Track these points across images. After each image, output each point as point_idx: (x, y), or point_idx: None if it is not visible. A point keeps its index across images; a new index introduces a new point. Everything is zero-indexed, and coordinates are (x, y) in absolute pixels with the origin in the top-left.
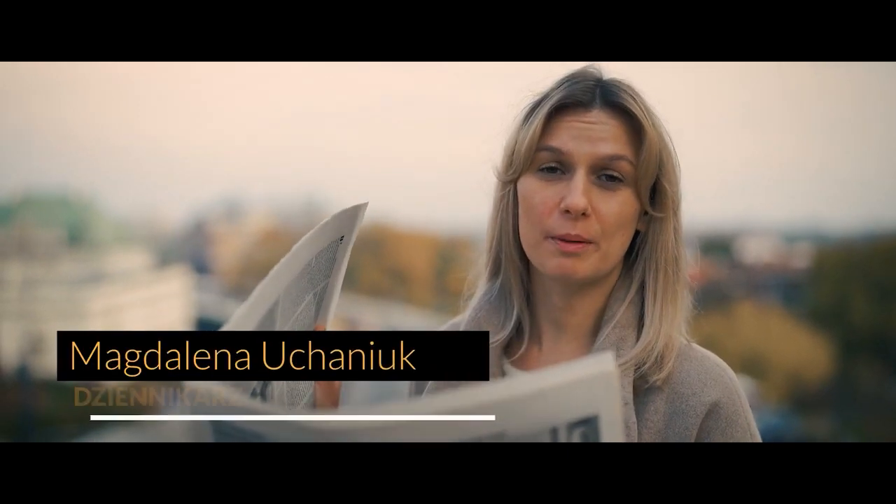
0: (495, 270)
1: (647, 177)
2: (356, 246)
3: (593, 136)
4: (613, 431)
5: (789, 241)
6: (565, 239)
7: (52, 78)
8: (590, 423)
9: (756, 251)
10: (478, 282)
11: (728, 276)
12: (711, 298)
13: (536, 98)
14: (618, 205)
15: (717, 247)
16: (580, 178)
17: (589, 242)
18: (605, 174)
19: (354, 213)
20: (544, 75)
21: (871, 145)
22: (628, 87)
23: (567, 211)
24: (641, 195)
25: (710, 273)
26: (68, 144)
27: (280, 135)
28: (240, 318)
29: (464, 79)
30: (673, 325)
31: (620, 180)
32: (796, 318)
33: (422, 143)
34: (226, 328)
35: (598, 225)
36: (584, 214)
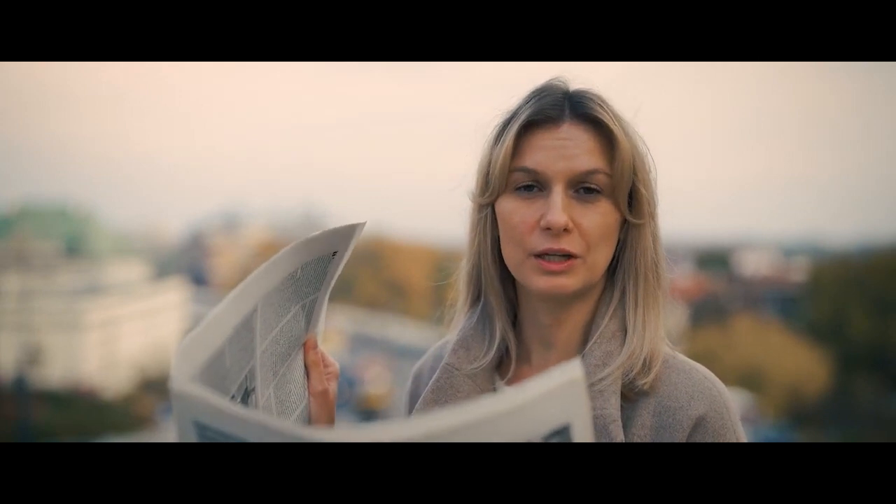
0: (477, 294)
1: (623, 184)
2: (353, 258)
3: (567, 153)
4: (584, 438)
5: (787, 255)
6: (548, 253)
7: (51, 89)
8: (563, 432)
9: (754, 264)
10: (458, 303)
11: (726, 290)
12: (709, 312)
13: (506, 116)
14: (599, 216)
15: (715, 260)
16: (558, 194)
17: (575, 257)
18: (582, 187)
19: (350, 231)
20: (531, 88)
21: (870, 160)
22: (596, 96)
23: (548, 228)
24: (620, 203)
25: (708, 286)
26: (67, 156)
27: (279, 148)
28: (214, 321)
29: (462, 93)
30: (657, 330)
31: (599, 191)
32: (794, 331)
33: (419, 156)
34: (199, 330)
35: (582, 239)
36: (565, 230)
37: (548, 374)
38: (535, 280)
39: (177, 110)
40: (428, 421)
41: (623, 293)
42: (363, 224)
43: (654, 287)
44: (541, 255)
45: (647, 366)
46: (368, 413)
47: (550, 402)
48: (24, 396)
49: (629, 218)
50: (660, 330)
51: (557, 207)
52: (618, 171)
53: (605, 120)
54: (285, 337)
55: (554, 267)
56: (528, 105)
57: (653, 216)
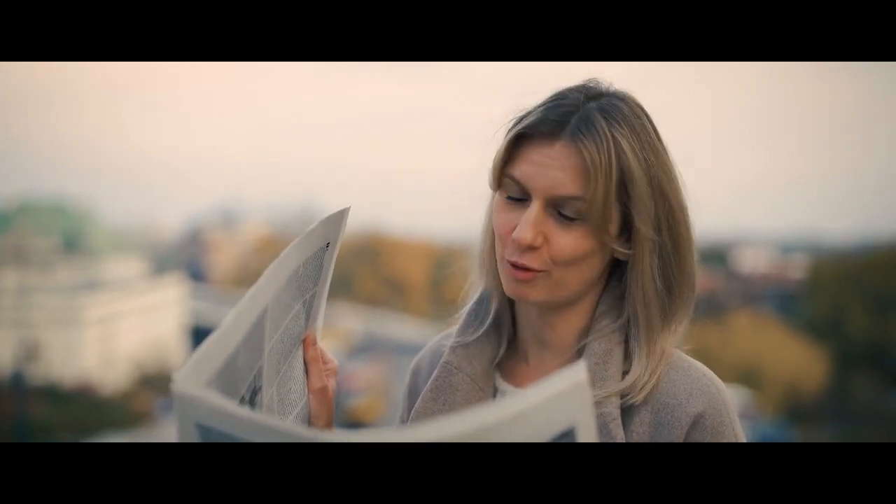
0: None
1: (600, 215)
2: (352, 255)
3: (550, 173)
4: (588, 440)
5: (786, 252)
6: (515, 266)
7: (49, 86)
8: (568, 435)
9: (752, 261)
10: (470, 292)
11: (724, 286)
12: (707, 308)
13: (519, 114)
14: (573, 240)
15: (714, 257)
16: (533, 211)
17: (538, 271)
18: (560, 210)
19: (339, 218)
20: (537, 86)
21: (869, 157)
22: (613, 112)
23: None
24: (600, 232)
25: (707, 283)
26: (65, 152)
27: (276, 144)
28: (229, 326)
29: (460, 91)
30: (663, 355)
31: (575, 218)
32: (792, 328)
33: (418, 152)
34: (215, 336)
35: (549, 255)
36: (531, 248)
37: (553, 378)
38: (506, 282)
39: (175, 107)
40: (435, 427)
41: (629, 319)
42: (348, 209)
43: (659, 318)
44: (510, 263)
45: (643, 388)
46: (353, 426)
47: (556, 405)
48: (23, 392)
49: (615, 247)
50: (667, 357)
51: (528, 224)
52: (592, 203)
53: (595, 158)
54: (288, 335)
55: (519, 275)
56: (538, 110)
57: (653, 251)
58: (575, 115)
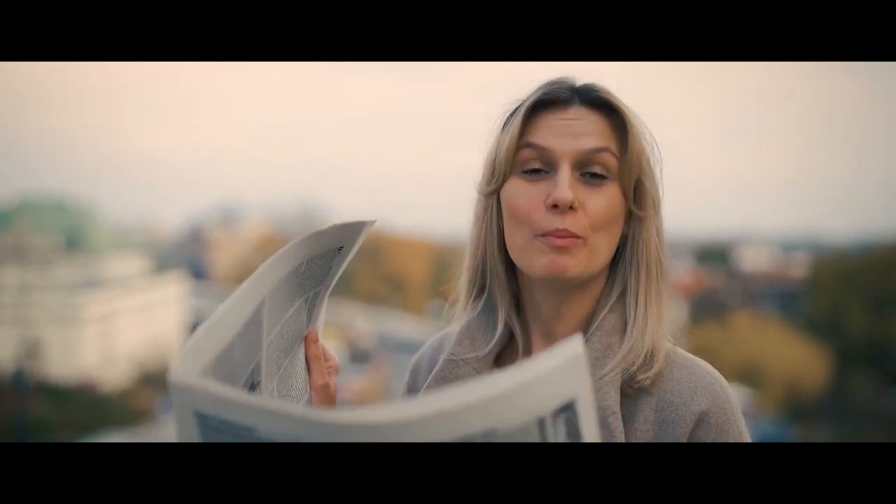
0: (482, 285)
1: (632, 170)
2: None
3: (575, 130)
4: (588, 412)
5: (787, 251)
6: (554, 235)
7: (50, 84)
8: (569, 407)
9: (753, 260)
10: (460, 297)
11: (725, 285)
12: (708, 307)
13: (514, 105)
14: (605, 199)
15: (715, 255)
16: (565, 172)
17: (577, 237)
18: (589, 171)
19: (359, 227)
20: (528, 84)
21: (870, 156)
22: (605, 88)
23: (555, 206)
24: (626, 191)
25: (707, 282)
26: (65, 150)
27: (277, 142)
28: (223, 315)
29: (460, 91)
30: (659, 324)
31: (605, 176)
32: (793, 327)
33: (418, 150)
34: (208, 325)
35: (586, 220)
36: (571, 208)
37: (551, 351)
38: (537, 261)
39: (176, 105)
40: (437, 399)
41: (625, 287)
42: (372, 222)
43: (656, 282)
44: (547, 236)
45: (648, 361)
46: None
47: (557, 377)
48: (23, 390)
49: (633, 209)
50: (663, 326)
51: (565, 184)
52: (628, 153)
53: (616, 102)
54: (288, 331)
55: (558, 243)
56: (536, 92)
57: (657, 211)
58: (576, 89)
